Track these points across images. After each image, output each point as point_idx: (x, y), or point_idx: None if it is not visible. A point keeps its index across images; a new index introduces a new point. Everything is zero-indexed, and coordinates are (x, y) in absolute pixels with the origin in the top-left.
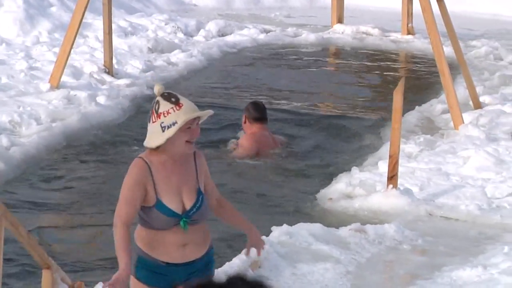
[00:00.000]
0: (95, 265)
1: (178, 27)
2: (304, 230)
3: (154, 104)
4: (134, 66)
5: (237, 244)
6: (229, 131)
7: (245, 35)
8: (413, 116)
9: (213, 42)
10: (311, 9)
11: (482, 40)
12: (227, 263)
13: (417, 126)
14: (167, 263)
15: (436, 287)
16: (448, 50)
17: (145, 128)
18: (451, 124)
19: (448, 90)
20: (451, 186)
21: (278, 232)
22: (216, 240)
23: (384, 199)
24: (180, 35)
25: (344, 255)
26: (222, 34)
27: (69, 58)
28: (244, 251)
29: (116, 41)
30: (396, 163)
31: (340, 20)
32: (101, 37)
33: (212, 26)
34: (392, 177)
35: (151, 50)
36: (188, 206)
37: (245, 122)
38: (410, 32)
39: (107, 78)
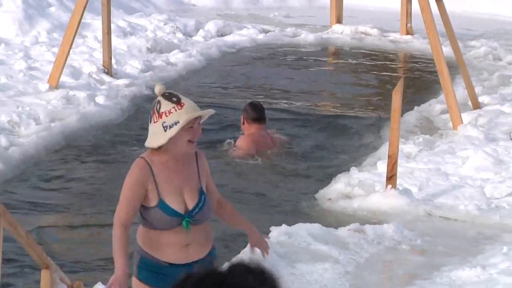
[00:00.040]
0: (94, 265)
1: (177, 27)
2: (303, 230)
3: (155, 104)
4: (133, 66)
5: (236, 244)
6: (228, 131)
7: (244, 35)
8: (412, 116)
9: (212, 42)
10: (310, 9)
11: (481, 40)
12: (226, 263)
13: (416, 126)
14: (170, 264)
15: (435, 287)
16: (447, 50)
17: (145, 128)
18: (450, 124)
19: (447, 90)
20: (450, 186)
21: (277, 232)
22: (215, 240)
23: (383, 199)
24: (179, 35)
25: (343, 255)
26: (221, 34)
27: (68, 58)
28: (247, 250)
29: (115, 41)
30: (395, 163)
31: (339, 20)
32: (100, 37)
33: (211, 26)
34: (391, 177)
35: (150, 50)
36: (190, 206)
37: (243, 123)
38: (409, 32)
39: (106, 78)
